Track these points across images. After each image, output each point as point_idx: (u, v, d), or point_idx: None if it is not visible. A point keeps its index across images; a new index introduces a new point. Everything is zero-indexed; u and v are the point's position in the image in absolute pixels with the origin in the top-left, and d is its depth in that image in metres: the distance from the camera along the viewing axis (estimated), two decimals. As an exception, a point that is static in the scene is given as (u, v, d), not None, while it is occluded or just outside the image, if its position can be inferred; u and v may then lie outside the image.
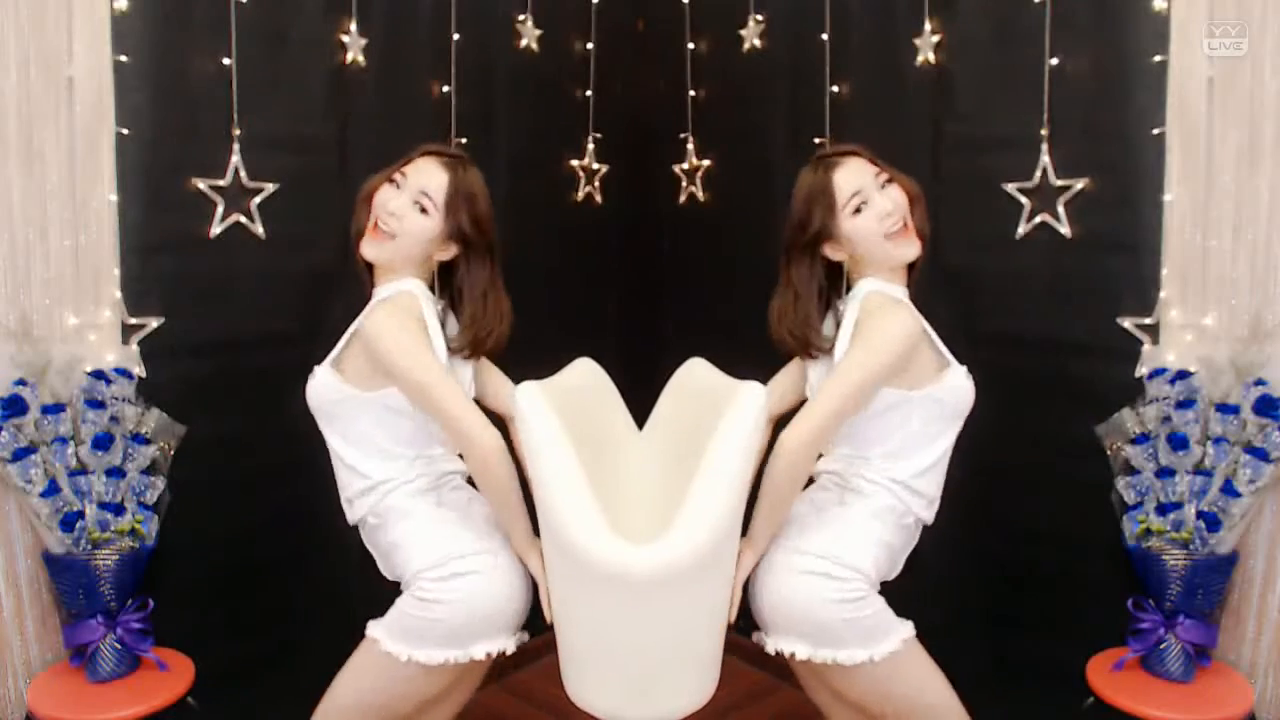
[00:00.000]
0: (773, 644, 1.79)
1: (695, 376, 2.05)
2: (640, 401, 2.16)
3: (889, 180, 1.84)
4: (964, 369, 1.85)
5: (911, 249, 1.83)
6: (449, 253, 1.84)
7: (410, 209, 1.78)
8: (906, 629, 1.78)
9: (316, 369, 1.85)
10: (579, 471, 1.66)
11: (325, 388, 1.81)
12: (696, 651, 1.74)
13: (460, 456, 1.90)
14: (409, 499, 1.81)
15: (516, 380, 1.93)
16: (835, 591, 1.71)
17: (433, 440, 1.86)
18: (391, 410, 1.80)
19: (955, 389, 1.82)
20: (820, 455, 1.93)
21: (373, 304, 1.83)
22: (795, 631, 1.75)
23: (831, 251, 1.86)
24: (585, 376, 2.03)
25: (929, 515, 1.87)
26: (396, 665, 1.75)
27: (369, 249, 1.81)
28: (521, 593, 1.81)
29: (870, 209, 1.81)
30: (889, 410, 1.80)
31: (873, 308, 1.80)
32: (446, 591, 1.73)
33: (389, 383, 1.77)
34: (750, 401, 1.67)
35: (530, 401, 1.69)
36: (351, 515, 1.87)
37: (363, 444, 1.81)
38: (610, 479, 1.95)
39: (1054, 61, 2.32)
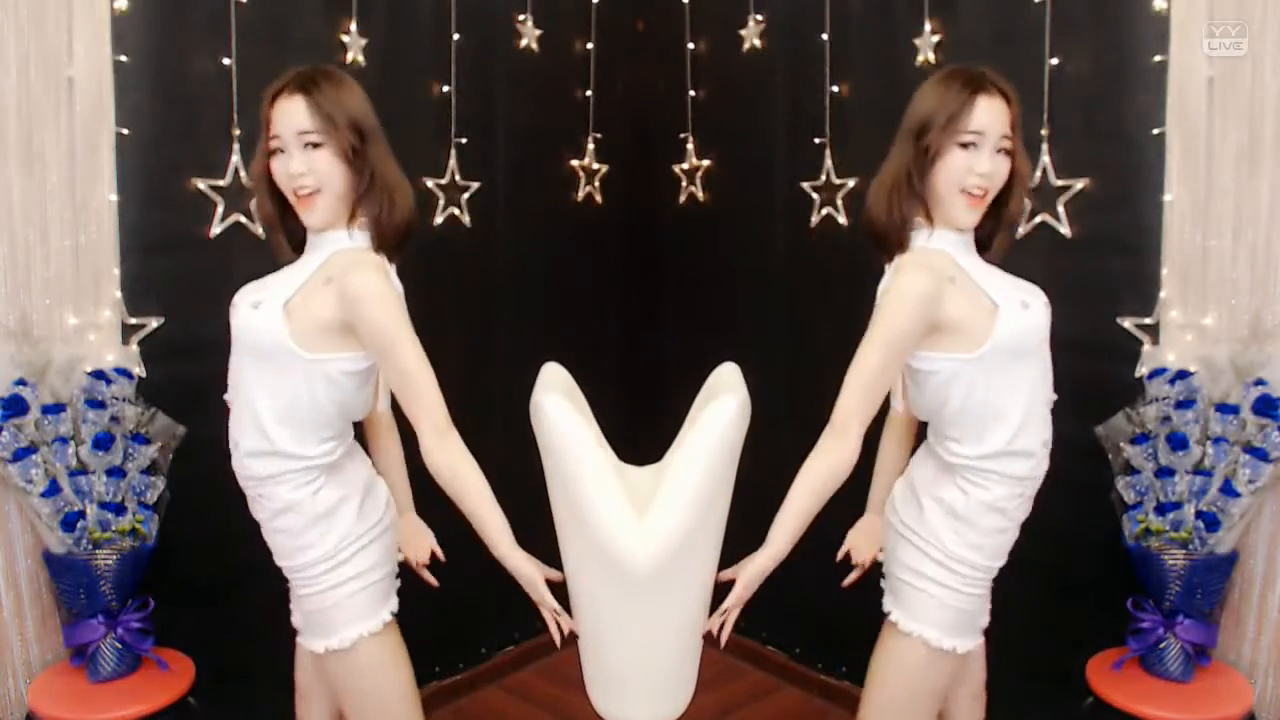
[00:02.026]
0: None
1: (715, 381, 2.05)
2: (640, 400, 2.16)
3: (1010, 150, 1.67)
4: (1017, 302, 1.68)
5: (970, 217, 1.68)
6: (361, 168, 1.69)
7: (307, 156, 1.65)
8: (949, 639, 1.75)
9: (264, 304, 1.69)
10: (616, 478, 1.67)
11: (272, 332, 1.67)
12: (662, 661, 1.76)
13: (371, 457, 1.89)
14: (295, 490, 1.72)
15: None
16: (956, 583, 1.73)
17: (347, 424, 1.78)
18: (327, 381, 1.69)
19: (1005, 336, 1.65)
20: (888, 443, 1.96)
21: (347, 255, 1.69)
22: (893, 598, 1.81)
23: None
24: (562, 380, 2.02)
25: (1040, 469, 1.76)
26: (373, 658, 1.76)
27: (311, 217, 1.68)
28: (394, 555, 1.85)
29: (975, 155, 1.65)
30: (949, 385, 1.69)
31: (897, 272, 1.69)
32: (347, 570, 1.73)
33: (343, 349, 1.67)
34: (716, 414, 1.66)
35: (559, 409, 1.68)
36: (239, 467, 1.76)
37: (283, 405, 1.70)
38: None
39: (1054, 61, 2.32)
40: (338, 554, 1.72)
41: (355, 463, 1.82)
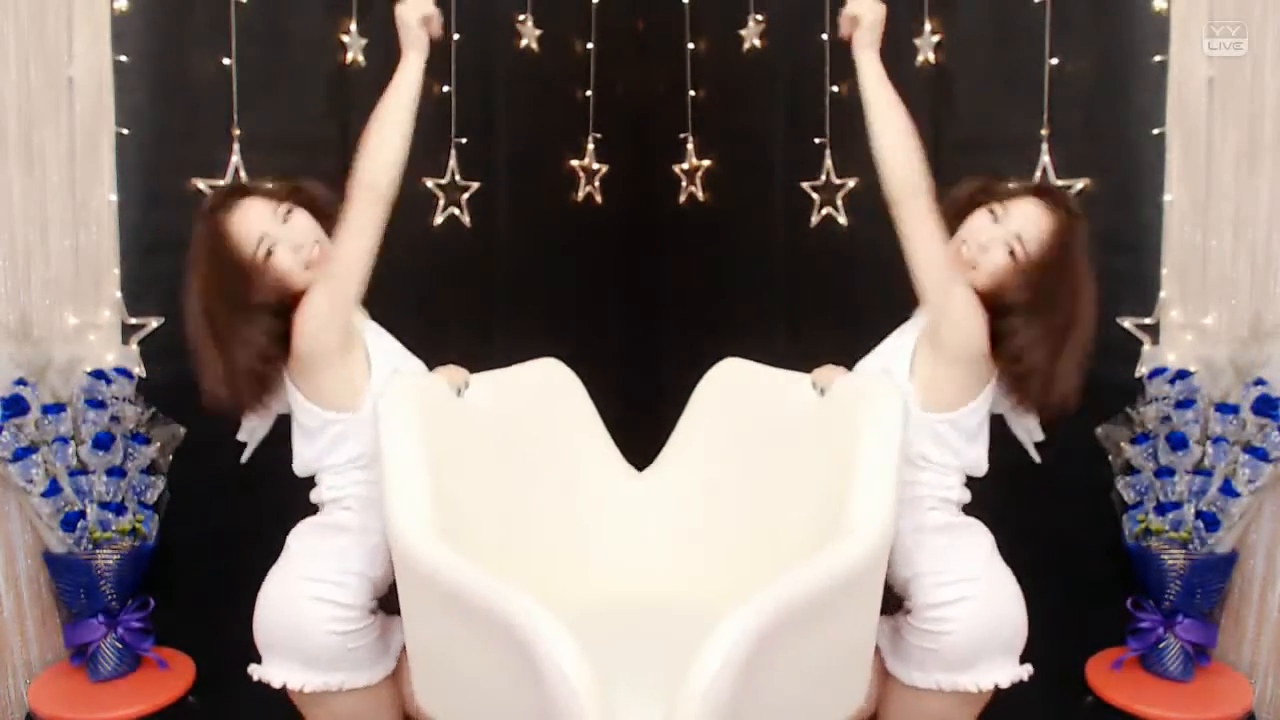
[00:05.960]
0: None
1: (742, 379, 2.01)
2: (640, 401, 2.16)
3: (1013, 252, 1.70)
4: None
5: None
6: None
7: (302, 242, 1.75)
8: None
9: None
10: (424, 476, 1.63)
11: None
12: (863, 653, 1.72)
13: None
14: None
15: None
16: None
17: None
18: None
19: None
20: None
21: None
22: None
23: None
24: (544, 375, 1.99)
25: None
26: None
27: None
28: None
29: (990, 224, 1.73)
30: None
31: None
32: None
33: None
34: (889, 401, 1.71)
35: (390, 407, 1.68)
36: None
37: None
38: (541, 485, 1.94)
39: (1054, 61, 2.32)
40: None
41: None
